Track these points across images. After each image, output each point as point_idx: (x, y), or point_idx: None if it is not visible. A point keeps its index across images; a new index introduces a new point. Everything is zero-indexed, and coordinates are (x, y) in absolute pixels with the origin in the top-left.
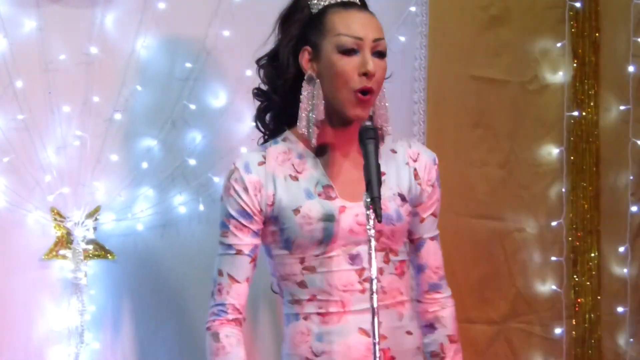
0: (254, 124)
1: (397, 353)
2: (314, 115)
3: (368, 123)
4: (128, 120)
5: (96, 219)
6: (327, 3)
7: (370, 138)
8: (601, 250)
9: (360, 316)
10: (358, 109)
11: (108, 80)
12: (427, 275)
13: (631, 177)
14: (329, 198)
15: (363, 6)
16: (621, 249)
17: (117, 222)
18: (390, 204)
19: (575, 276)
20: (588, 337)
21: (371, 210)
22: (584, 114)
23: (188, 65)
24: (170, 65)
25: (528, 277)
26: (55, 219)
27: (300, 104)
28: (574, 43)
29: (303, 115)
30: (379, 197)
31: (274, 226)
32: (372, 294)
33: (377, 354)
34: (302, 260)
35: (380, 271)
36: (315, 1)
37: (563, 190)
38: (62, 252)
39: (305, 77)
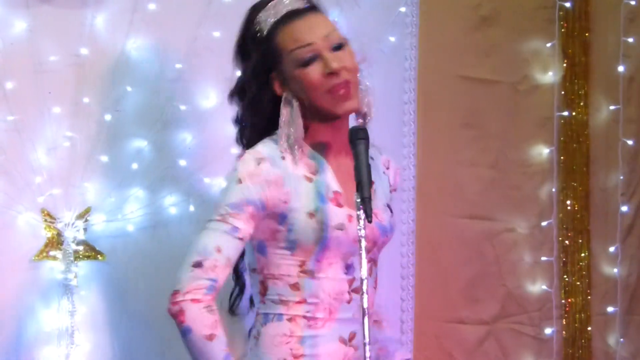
0: (240, 142)
1: None
2: (293, 137)
3: (360, 120)
4: (118, 121)
5: (86, 220)
6: (271, 23)
7: (360, 138)
8: (591, 250)
9: (343, 325)
10: (343, 104)
11: (98, 81)
12: None
13: (621, 177)
14: (339, 205)
15: (302, 10)
16: (611, 249)
17: (108, 223)
18: (385, 215)
19: (565, 276)
20: (578, 337)
21: (362, 211)
22: (574, 114)
23: (178, 66)
24: (161, 66)
25: (518, 277)
26: (46, 220)
27: (280, 128)
28: (564, 43)
29: (283, 137)
30: (370, 198)
31: (280, 225)
32: (362, 294)
33: (367, 354)
34: (302, 263)
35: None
36: (260, 26)
37: (553, 190)
38: (52, 253)
39: (282, 100)
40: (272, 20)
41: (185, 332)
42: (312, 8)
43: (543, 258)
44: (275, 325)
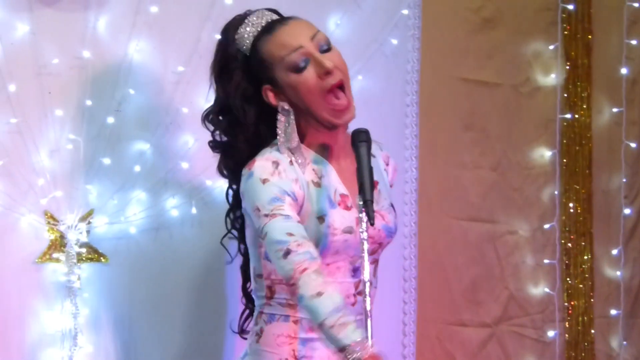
0: (221, 173)
1: None
2: (288, 145)
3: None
4: (121, 124)
5: (89, 222)
6: (252, 37)
7: (362, 141)
8: (594, 252)
9: None
10: (341, 117)
11: (101, 84)
12: None
13: (624, 180)
14: (347, 208)
15: (283, 18)
16: (614, 252)
17: (110, 226)
18: (390, 217)
19: (568, 279)
20: (581, 339)
21: (364, 214)
22: (576, 116)
23: (180, 68)
24: (163, 68)
25: (521, 279)
26: (49, 223)
27: (278, 135)
28: (566, 45)
29: (281, 146)
30: (372, 201)
31: None
32: (364, 296)
33: None
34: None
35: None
36: (241, 42)
37: (556, 192)
38: (55, 255)
39: (279, 110)
40: (252, 34)
41: (300, 301)
42: (291, 17)
43: (545, 261)
44: (280, 325)
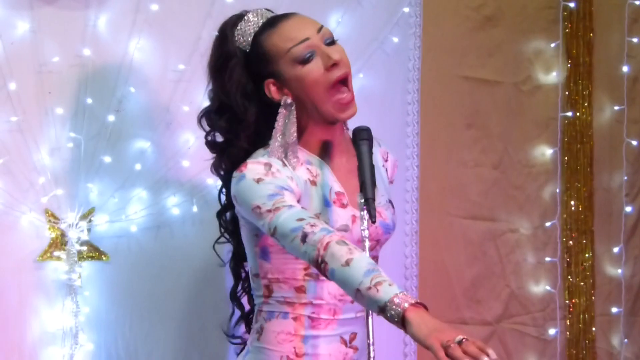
0: (218, 174)
1: None
2: (287, 140)
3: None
4: (121, 122)
5: (90, 221)
6: (252, 33)
7: (363, 139)
8: (595, 250)
9: (345, 325)
10: (345, 111)
11: (101, 82)
12: None
13: (625, 178)
14: (342, 206)
15: (285, 14)
16: (615, 250)
17: (111, 224)
18: (387, 213)
19: (569, 277)
20: (582, 337)
21: (365, 212)
22: (577, 114)
23: (181, 66)
24: (164, 66)
25: (522, 277)
26: (50, 221)
27: (274, 129)
28: (567, 43)
29: (277, 141)
30: (373, 198)
31: None
32: None
33: (372, 354)
34: (307, 267)
35: None
36: (241, 39)
37: (557, 190)
38: (56, 253)
39: (282, 104)
40: (253, 30)
41: (331, 276)
42: (293, 13)
43: (547, 259)
44: (279, 322)
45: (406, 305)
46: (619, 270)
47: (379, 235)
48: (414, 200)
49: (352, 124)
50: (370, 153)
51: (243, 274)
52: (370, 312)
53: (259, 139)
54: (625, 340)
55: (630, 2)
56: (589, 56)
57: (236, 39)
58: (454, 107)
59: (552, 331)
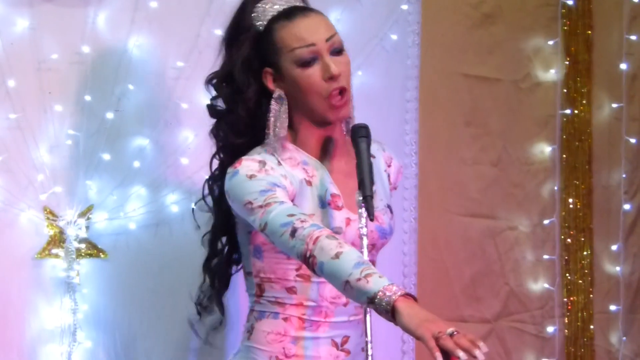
0: (214, 136)
1: None
2: (277, 133)
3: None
4: (120, 120)
5: (89, 218)
6: (270, 16)
7: (362, 136)
8: (594, 248)
9: (337, 328)
10: (336, 112)
11: (100, 80)
12: None
13: (624, 175)
14: (337, 208)
15: (306, 7)
16: (614, 247)
17: (110, 221)
18: (385, 217)
19: (568, 274)
20: (581, 335)
21: (363, 209)
22: (576, 112)
23: (180, 64)
24: (163, 64)
25: (520, 275)
26: (48, 218)
27: (268, 122)
28: (566, 41)
29: (271, 134)
30: (372, 196)
31: None
32: None
33: (370, 352)
34: (298, 267)
35: None
36: (259, 18)
37: (556, 188)
38: (54, 251)
39: (274, 97)
40: (271, 14)
41: (320, 269)
42: (311, 8)
43: (545, 256)
44: (270, 322)
45: (396, 296)
46: (618, 268)
47: (374, 240)
48: (413, 197)
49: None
50: (369, 151)
51: (220, 247)
52: (368, 309)
53: (260, 113)
54: (624, 337)
55: None
56: (588, 54)
57: (254, 15)
58: (453, 105)
59: (550, 329)
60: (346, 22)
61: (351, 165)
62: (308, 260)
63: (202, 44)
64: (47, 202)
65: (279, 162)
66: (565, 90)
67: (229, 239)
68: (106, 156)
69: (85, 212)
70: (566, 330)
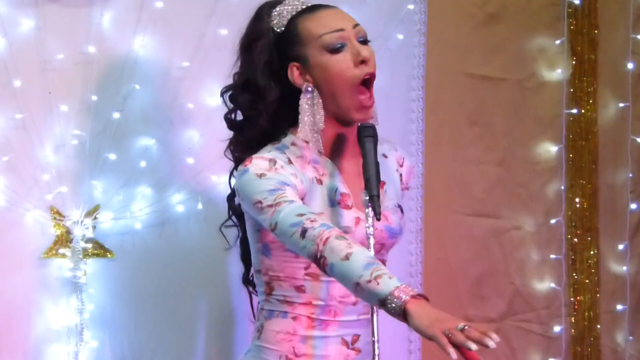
0: (231, 154)
1: None
2: (317, 124)
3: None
4: (126, 119)
5: (95, 218)
6: (289, 16)
7: (368, 136)
8: (600, 248)
9: (347, 327)
10: (362, 113)
11: (106, 80)
12: None
13: (630, 175)
14: (347, 207)
15: (326, 5)
16: (620, 247)
17: (116, 221)
18: (394, 217)
19: (574, 274)
20: (587, 335)
21: (370, 209)
22: (582, 111)
23: (185, 64)
24: (168, 64)
25: (526, 275)
26: (54, 218)
27: (301, 114)
28: (572, 40)
29: (306, 124)
30: (378, 196)
31: None
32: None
33: (377, 352)
34: (307, 266)
35: None
36: (277, 20)
37: (561, 188)
38: (61, 250)
39: (302, 90)
40: (290, 13)
41: (331, 270)
42: (334, 6)
43: (551, 256)
44: (279, 322)
45: (407, 297)
46: (624, 268)
47: (383, 239)
48: (419, 197)
49: None
50: (375, 150)
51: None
52: (375, 309)
53: (279, 120)
54: (630, 337)
55: None
56: (593, 53)
57: (272, 19)
58: (458, 104)
59: (556, 328)
60: None
61: (360, 166)
62: (319, 261)
63: (208, 43)
64: (53, 202)
65: (289, 160)
66: (570, 90)
67: None
68: (112, 156)
69: (92, 212)
70: (572, 330)
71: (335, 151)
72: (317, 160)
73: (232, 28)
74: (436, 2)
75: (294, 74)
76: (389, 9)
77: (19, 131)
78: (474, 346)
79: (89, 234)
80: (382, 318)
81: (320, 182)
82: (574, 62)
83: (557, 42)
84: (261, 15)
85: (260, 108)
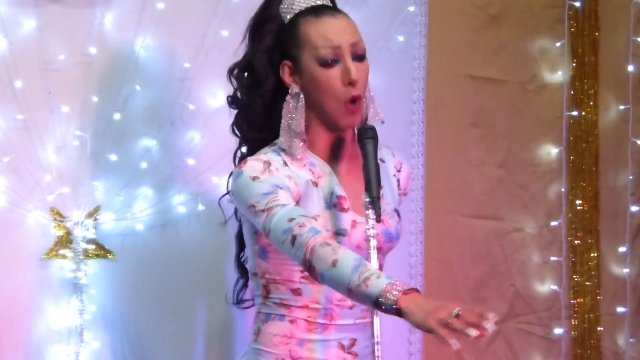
0: (233, 131)
1: None
2: (294, 129)
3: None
4: (127, 120)
5: (96, 219)
6: (297, 11)
7: (369, 138)
8: (601, 250)
9: (344, 331)
10: (349, 118)
11: (107, 80)
12: None
13: (631, 177)
14: (343, 210)
15: (334, 8)
16: (621, 249)
17: (117, 222)
18: (391, 221)
19: (574, 276)
20: (588, 337)
21: (371, 211)
22: (583, 113)
23: (187, 65)
24: (169, 65)
25: (527, 277)
26: (55, 219)
27: (282, 118)
28: (573, 42)
29: (285, 129)
30: (379, 197)
31: None
32: None
33: (378, 353)
34: (303, 269)
35: None
36: (285, 9)
37: (562, 190)
38: (62, 251)
39: (290, 92)
40: (299, 8)
41: (321, 279)
42: (339, 9)
43: (552, 258)
44: (276, 325)
45: (397, 295)
46: (625, 270)
47: (380, 243)
48: (419, 199)
49: None
50: (376, 152)
51: None
52: (375, 311)
53: (276, 108)
54: (631, 339)
55: (636, 1)
56: (594, 55)
57: (282, 6)
58: (459, 106)
59: (557, 330)
60: None
61: (359, 168)
62: (310, 270)
63: (209, 44)
64: (54, 202)
65: (284, 162)
66: (571, 92)
67: None
68: (113, 157)
69: (93, 213)
70: (573, 332)
71: (332, 154)
72: (314, 163)
73: (234, 29)
74: (437, 4)
75: (284, 72)
76: (390, 11)
77: (20, 132)
78: (473, 332)
79: (90, 235)
80: (382, 319)
81: (315, 184)
82: (574, 64)
83: (558, 44)
84: (272, 1)
85: (255, 93)
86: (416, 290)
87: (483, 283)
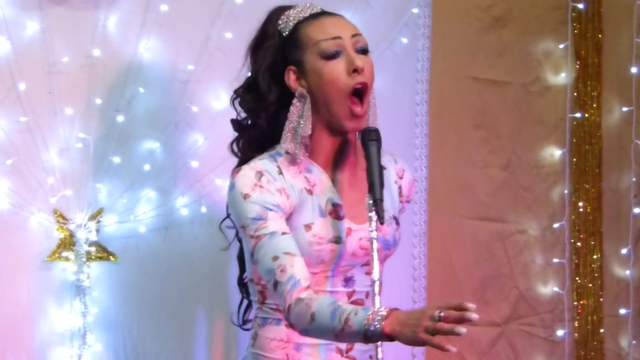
0: (233, 152)
1: None
2: (300, 132)
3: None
4: (130, 123)
5: (99, 221)
6: (296, 21)
7: (372, 140)
8: (603, 252)
9: None
10: (354, 122)
11: (110, 82)
12: None
13: (634, 179)
14: (338, 218)
15: (332, 12)
16: (624, 251)
17: (120, 224)
18: (389, 229)
19: (577, 278)
20: (590, 339)
21: (373, 213)
22: (586, 115)
23: (190, 67)
24: (173, 67)
25: (530, 278)
26: (58, 221)
27: (287, 121)
28: (576, 44)
29: (288, 132)
30: (382, 199)
31: None
32: (374, 295)
33: (380, 356)
34: None
35: (367, 295)
36: (284, 24)
37: (565, 192)
38: (64, 254)
39: (296, 94)
40: (297, 18)
41: (306, 334)
42: (340, 14)
43: (555, 260)
44: (272, 329)
45: (379, 323)
46: (628, 272)
47: (377, 251)
48: (423, 200)
49: None
50: (379, 154)
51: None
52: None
53: (278, 123)
54: (634, 341)
55: (639, 3)
56: (597, 57)
57: (279, 22)
58: (462, 108)
59: (560, 332)
60: (356, 25)
61: (357, 177)
62: (292, 327)
63: (212, 47)
64: (57, 205)
65: (279, 170)
66: (575, 94)
67: None
68: (116, 159)
69: (95, 215)
70: (576, 334)
71: (333, 161)
72: (311, 170)
73: (237, 31)
74: (440, 6)
75: (290, 77)
76: (394, 13)
77: (23, 134)
78: (462, 330)
79: (93, 237)
80: None
81: (310, 192)
82: (578, 66)
83: (562, 46)
84: (271, 18)
85: (260, 109)
86: (394, 309)
87: (486, 285)
